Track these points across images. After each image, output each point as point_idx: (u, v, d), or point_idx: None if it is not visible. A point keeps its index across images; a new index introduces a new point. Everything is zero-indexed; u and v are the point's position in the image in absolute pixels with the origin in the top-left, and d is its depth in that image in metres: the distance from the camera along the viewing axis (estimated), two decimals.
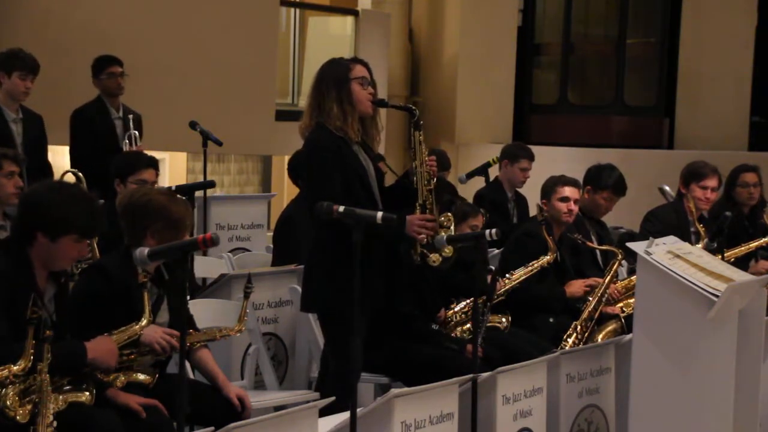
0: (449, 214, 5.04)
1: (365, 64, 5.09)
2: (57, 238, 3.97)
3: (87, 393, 3.97)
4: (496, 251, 6.98)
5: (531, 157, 8.23)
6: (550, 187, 6.39)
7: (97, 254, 5.49)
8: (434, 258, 4.94)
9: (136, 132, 7.42)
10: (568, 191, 6.35)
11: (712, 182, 7.04)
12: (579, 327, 6.10)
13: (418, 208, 4.94)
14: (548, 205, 6.35)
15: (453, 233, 4.99)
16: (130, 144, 7.34)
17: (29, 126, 7.08)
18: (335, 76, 4.99)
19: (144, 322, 4.20)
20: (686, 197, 7.07)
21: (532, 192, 7.64)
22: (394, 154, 11.78)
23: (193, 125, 7.51)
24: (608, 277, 6.32)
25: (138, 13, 9.92)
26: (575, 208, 6.40)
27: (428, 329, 5.63)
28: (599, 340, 6.05)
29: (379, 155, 4.95)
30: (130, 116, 7.54)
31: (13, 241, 4.04)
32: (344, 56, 5.23)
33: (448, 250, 4.95)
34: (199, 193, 7.06)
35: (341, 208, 4.30)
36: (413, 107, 5.09)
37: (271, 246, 7.25)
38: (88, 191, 4.38)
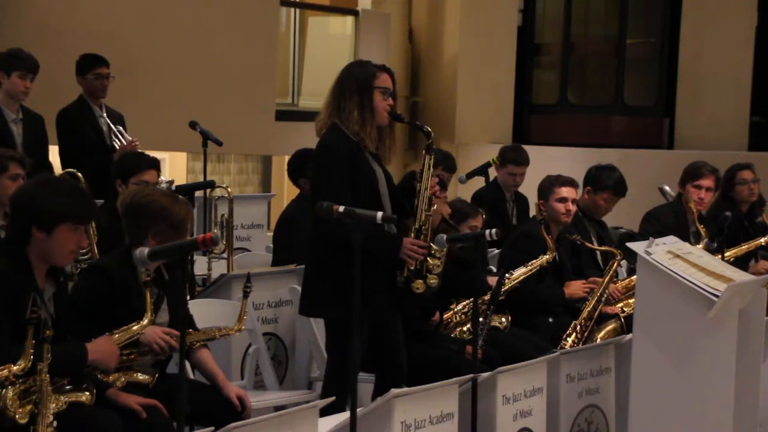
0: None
1: (391, 75, 5.05)
2: (52, 229, 3.97)
3: (87, 393, 3.97)
4: (496, 251, 6.98)
5: (519, 162, 8.13)
6: (547, 188, 6.39)
7: (96, 254, 5.51)
8: (418, 285, 4.91)
9: (120, 127, 7.41)
10: (565, 192, 6.36)
11: (706, 182, 7.05)
12: (578, 326, 6.10)
13: (413, 231, 4.92)
14: (546, 205, 6.35)
15: (441, 266, 4.95)
16: (119, 140, 7.31)
17: (29, 126, 7.07)
18: (360, 80, 4.96)
19: (145, 321, 4.20)
20: (685, 197, 7.08)
21: (531, 192, 7.64)
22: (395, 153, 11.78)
23: (193, 125, 7.50)
24: (607, 277, 6.32)
25: (138, 13, 9.91)
26: (573, 207, 6.41)
27: (428, 329, 5.63)
28: (599, 339, 6.06)
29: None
30: (122, 116, 7.53)
31: (11, 242, 4.04)
32: (348, 58, 5.23)
33: (433, 280, 4.93)
34: (217, 193, 7.10)
35: (341, 208, 4.30)
36: (429, 130, 5.03)
37: (271, 246, 7.25)
38: (74, 181, 4.39)
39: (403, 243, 4.85)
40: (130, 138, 7.27)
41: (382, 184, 4.99)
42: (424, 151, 5.01)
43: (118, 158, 6.42)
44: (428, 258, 4.93)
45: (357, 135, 4.93)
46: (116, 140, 7.35)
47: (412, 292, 4.93)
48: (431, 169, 5.00)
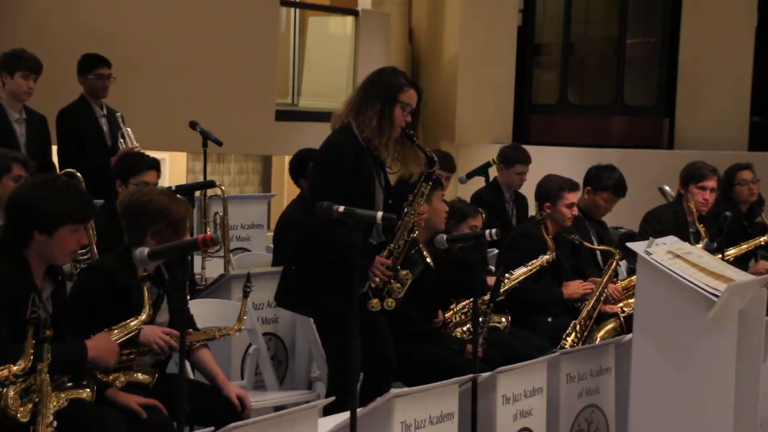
0: (408, 271, 4.98)
1: (419, 93, 5.03)
2: (53, 232, 3.97)
3: (87, 390, 3.97)
4: (496, 251, 6.98)
5: (526, 161, 8.17)
6: (555, 192, 6.35)
7: (96, 254, 5.51)
8: (374, 303, 4.91)
9: (128, 129, 7.41)
10: (573, 197, 6.38)
11: (710, 183, 7.05)
12: (578, 326, 6.11)
13: (386, 251, 4.93)
14: (553, 208, 6.34)
15: (402, 292, 4.96)
16: (125, 142, 7.31)
17: (32, 126, 7.07)
18: (386, 89, 4.93)
19: (143, 316, 4.20)
20: (685, 198, 7.07)
21: (530, 191, 7.64)
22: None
23: (193, 125, 7.50)
24: (606, 277, 6.32)
25: (138, 14, 9.92)
26: (576, 211, 6.43)
27: (428, 329, 5.64)
28: (598, 339, 6.06)
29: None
30: (118, 114, 7.52)
31: (8, 243, 4.04)
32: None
33: (390, 303, 4.93)
34: (213, 192, 7.09)
35: (341, 208, 4.31)
36: (435, 158, 5.05)
37: (271, 246, 7.26)
38: (69, 180, 4.39)
39: (375, 260, 4.85)
40: (135, 144, 7.26)
41: (378, 193, 4.99)
42: (422, 178, 5.01)
43: (119, 158, 6.42)
44: (392, 280, 4.93)
45: (368, 141, 4.92)
46: (122, 142, 7.34)
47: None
48: (424, 197, 4.99)
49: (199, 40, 10.29)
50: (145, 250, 3.98)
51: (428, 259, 5.23)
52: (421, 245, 5.18)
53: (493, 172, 8.31)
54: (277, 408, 5.13)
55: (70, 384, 3.95)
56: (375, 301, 4.90)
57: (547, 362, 5.10)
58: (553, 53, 13.62)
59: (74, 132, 7.47)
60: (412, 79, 5.10)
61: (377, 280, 4.87)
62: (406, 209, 4.97)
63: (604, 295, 6.28)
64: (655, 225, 7.03)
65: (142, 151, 6.99)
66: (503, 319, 5.92)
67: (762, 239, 7.33)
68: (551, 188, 6.39)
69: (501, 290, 5.89)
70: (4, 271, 3.91)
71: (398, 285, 4.94)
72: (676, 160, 9.06)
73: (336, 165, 4.88)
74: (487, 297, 5.67)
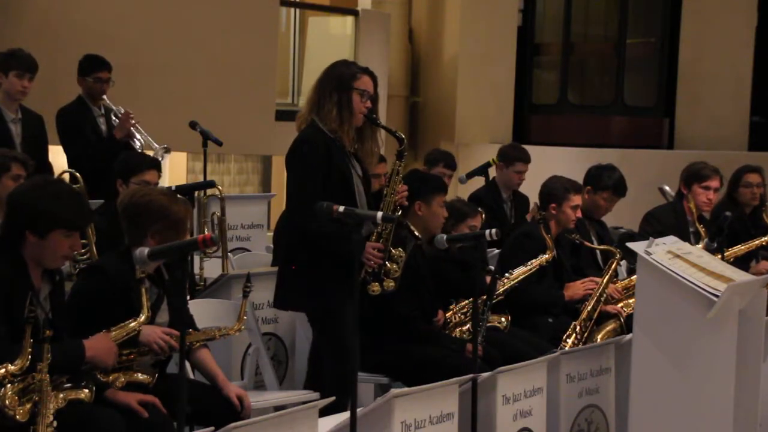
0: (401, 249, 5.04)
1: (374, 79, 5.11)
2: (45, 234, 3.96)
3: (86, 390, 3.97)
4: (496, 251, 6.98)
5: (526, 159, 8.17)
6: (561, 194, 6.34)
7: (95, 254, 5.51)
8: (374, 287, 4.96)
9: (120, 108, 7.37)
10: (578, 199, 6.38)
11: (714, 183, 7.06)
12: (578, 327, 6.10)
13: (375, 234, 4.97)
14: (558, 209, 6.33)
15: (399, 271, 5.00)
16: (117, 118, 7.30)
17: (28, 126, 7.05)
18: (340, 79, 5.03)
19: (142, 318, 4.19)
20: (686, 198, 7.07)
21: (529, 191, 7.64)
22: (389, 157, 11.79)
23: (193, 125, 7.50)
24: (606, 277, 6.32)
25: (138, 13, 9.91)
26: (579, 213, 6.44)
27: (428, 329, 5.63)
28: (599, 339, 6.06)
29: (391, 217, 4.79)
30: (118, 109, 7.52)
31: (6, 241, 4.04)
32: (348, 58, 5.25)
33: (390, 284, 4.97)
34: (211, 192, 7.09)
35: (341, 208, 4.32)
36: (402, 137, 5.12)
37: (271, 246, 7.25)
38: (71, 186, 4.39)
39: (366, 245, 4.90)
40: (126, 110, 7.27)
41: (356, 181, 5.02)
42: (395, 157, 5.08)
43: (120, 158, 6.41)
44: (387, 262, 4.97)
45: (334, 132, 5.00)
46: (114, 120, 7.34)
47: (366, 292, 4.96)
48: (399, 174, 5.06)
49: (199, 40, 10.28)
50: (145, 250, 3.97)
51: (415, 232, 5.29)
52: (407, 221, 5.23)
53: (492, 172, 8.31)
54: (277, 408, 5.12)
55: (68, 385, 3.95)
56: (375, 284, 4.95)
57: (547, 362, 5.10)
58: (553, 53, 13.61)
59: (75, 132, 7.45)
60: (366, 67, 5.17)
61: (372, 264, 4.91)
62: (385, 190, 5.04)
63: (605, 295, 6.27)
64: (655, 225, 7.03)
65: (135, 120, 7.02)
66: (503, 319, 5.92)
67: (763, 239, 7.32)
68: (557, 189, 6.39)
69: (501, 290, 5.90)
70: (1, 270, 3.90)
71: (394, 265, 4.99)
72: (676, 160, 9.07)
73: (307, 157, 4.94)
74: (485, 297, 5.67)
